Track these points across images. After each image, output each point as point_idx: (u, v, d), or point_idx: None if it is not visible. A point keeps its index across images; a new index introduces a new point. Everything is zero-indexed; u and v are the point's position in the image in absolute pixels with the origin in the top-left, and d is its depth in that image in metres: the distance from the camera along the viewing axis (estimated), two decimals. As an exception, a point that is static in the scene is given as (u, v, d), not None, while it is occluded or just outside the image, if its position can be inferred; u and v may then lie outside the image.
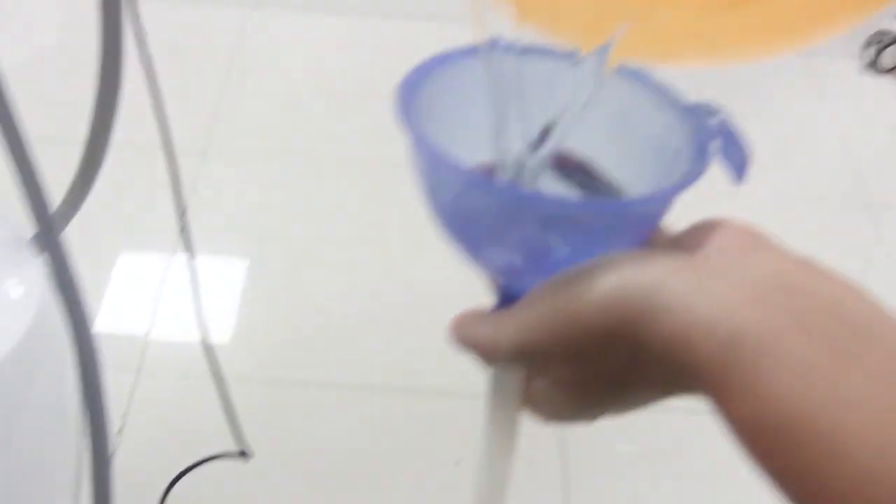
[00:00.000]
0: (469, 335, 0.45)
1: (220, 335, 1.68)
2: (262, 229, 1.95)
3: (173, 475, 1.13)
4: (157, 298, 1.77)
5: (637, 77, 0.47)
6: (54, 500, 0.98)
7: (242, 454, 1.12)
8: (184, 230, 1.00)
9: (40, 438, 0.91)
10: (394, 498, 1.52)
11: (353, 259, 1.95)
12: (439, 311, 1.88)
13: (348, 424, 1.63)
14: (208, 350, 1.06)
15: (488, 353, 0.45)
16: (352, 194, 2.05)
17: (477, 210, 0.45)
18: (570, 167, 0.49)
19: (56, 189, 0.74)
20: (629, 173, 0.48)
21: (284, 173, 2.03)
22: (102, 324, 1.64)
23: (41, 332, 0.81)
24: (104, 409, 0.86)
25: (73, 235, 0.75)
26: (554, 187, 0.48)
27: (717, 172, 0.44)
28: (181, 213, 0.97)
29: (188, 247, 1.01)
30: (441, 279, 1.80)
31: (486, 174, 0.47)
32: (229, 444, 1.23)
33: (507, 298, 0.46)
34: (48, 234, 0.68)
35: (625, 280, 0.38)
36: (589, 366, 0.41)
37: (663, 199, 0.43)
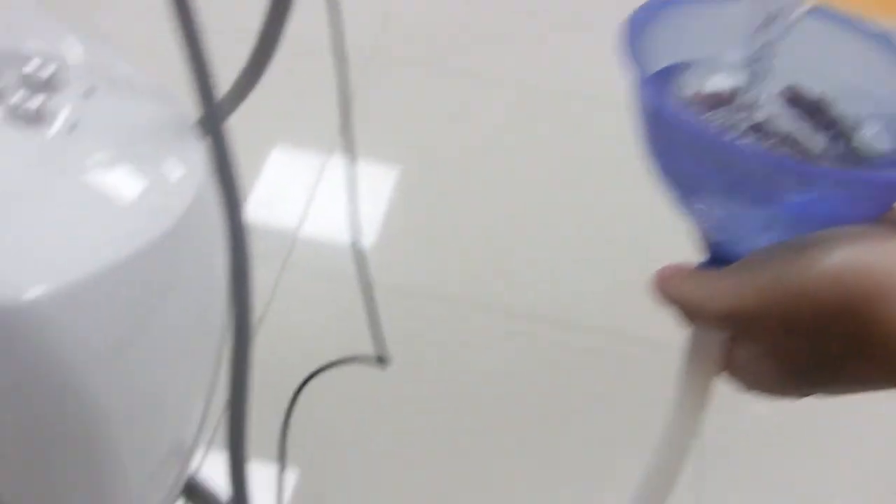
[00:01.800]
0: (675, 292, 0.46)
1: (369, 240, 1.76)
2: (424, 140, 2.01)
3: (308, 372, 1.22)
4: (310, 196, 1.86)
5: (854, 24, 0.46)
6: (194, 382, 1.07)
7: (380, 360, 1.20)
8: (345, 131, 1.07)
9: (187, 319, 1.01)
10: (526, 433, 1.57)
11: (520, 182, 1.98)
12: (611, 250, 1.92)
13: (491, 348, 1.69)
14: (358, 253, 1.13)
15: (693, 313, 0.46)
16: (530, 122, 2.08)
17: (706, 164, 0.44)
18: (803, 105, 0.48)
19: (224, 79, 0.81)
20: (861, 112, 0.46)
21: (452, 89, 2.08)
22: (255, 214, 1.74)
23: (198, 213, 0.90)
24: (250, 296, 0.94)
25: (236, 124, 0.82)
26: (788, 125, 0.47)
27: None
28: (345, 113, 1.04)
29: (349, 149, 1.08)
30: (621, 216, 1.83)
31: (719, 129, 0.46)
32: (367, 349, 1.31)
33: (719, 259, 0.46)
34: (212, 119, 0.75)
35: (858, 256, 0.39)
36: (804, 340, 0.41)
37: None
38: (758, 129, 0.46)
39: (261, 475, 1.13)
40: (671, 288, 0.45)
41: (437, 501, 1.45)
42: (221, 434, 1.04)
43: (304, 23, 0.95)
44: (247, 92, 0.87)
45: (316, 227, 1.84)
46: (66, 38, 0.92)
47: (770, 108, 0.46)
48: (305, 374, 1.25)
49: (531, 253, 1.88)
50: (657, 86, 0.45)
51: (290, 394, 1.20)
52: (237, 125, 0.84)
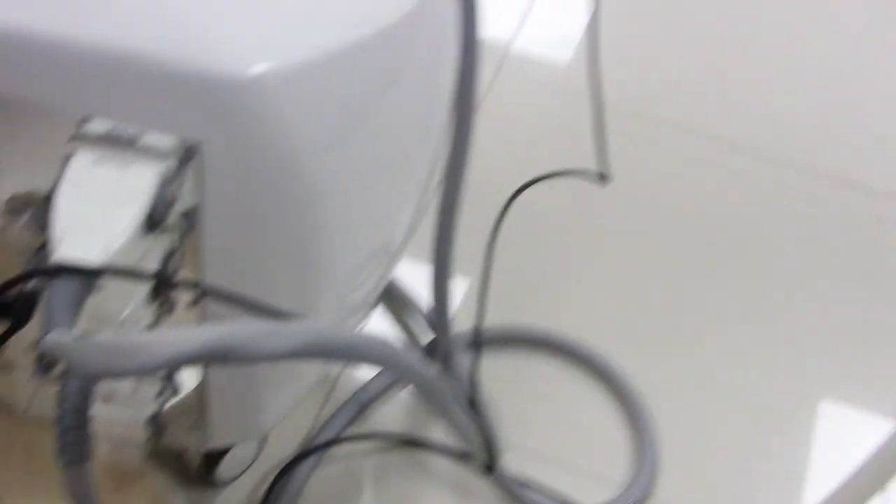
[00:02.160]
0: None
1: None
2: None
3: (521, 182, 1.18)
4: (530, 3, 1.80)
5: None
6: (408, 183, 1.05)
7: (602, 177, 1.15)
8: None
9: (409, 115, 0.98)
10: (737, 268, 1.52)
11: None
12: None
13: (717, 182, 1.63)
14: (594, 67, 1.07)
15: None
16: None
17: None
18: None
19: None
20: None
21: None
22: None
23: (431, 3, 0.86)
24: (472, 92, 0.90)
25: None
26: None
27: None
28: None
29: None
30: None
31: None
32: (585, 165, 1.27)
33: None
34: None
35: None
36: None
37: None
38: None
39: (463, 287, 1.11)
40: None
41: (637, 327, 1.43)
42: (427, 243, 1.04)
43: None
44: None
45: (533, 37, 1.79)
46: None
47: None
48: (515, 186, 1.22)
49: (767, 87, 1.78)
50: None
51: (499, 205, 1.17)
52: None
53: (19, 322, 0.88)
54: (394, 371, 0.77)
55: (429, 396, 0.91)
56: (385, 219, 1.05)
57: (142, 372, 0.66)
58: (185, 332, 0.66)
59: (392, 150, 0.99)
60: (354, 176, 0.93)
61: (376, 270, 1.09)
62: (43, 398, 1.04)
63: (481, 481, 1.21)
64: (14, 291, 0.86)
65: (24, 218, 0.85)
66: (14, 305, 0.88)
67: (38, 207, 0.85)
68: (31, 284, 0.88)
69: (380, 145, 0.96)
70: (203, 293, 0.73)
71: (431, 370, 0.92)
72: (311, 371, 1.11)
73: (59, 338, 0.68)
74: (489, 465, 1.06)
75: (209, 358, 0.66)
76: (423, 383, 0.88)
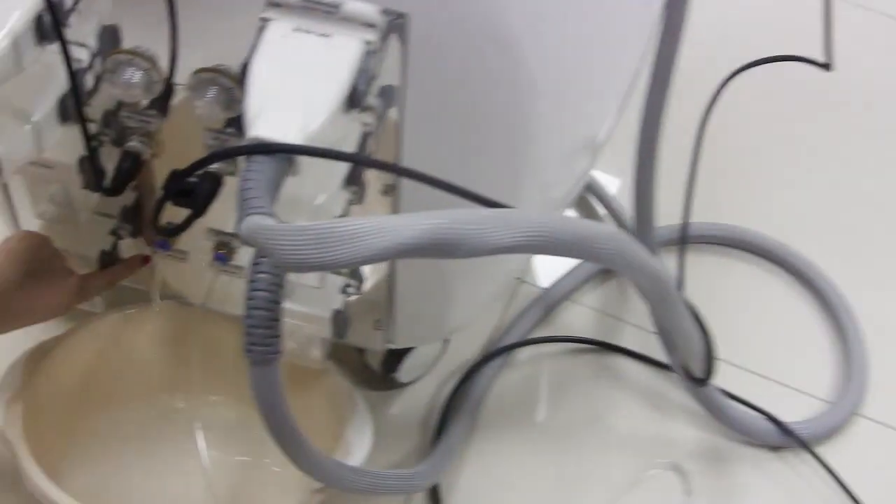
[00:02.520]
0: None
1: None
2: None
3: (737, 66, 1.07)
4: None
5: None
6: (616, 75, 0.97)
7: (825, 66, 1.04)
8: None
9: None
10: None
11: None
12: None
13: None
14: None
15: None
16: None
17: None
18: None
19: None
20: None
21: None
22: None
23: None
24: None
25: None
26: None
27: None
28: None
29: None
30: None
31: None
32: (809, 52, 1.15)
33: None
34: None
35: None
36: None
37: None
38: None
39: (662, 182, 1.01)
40: None
41: (852, 233, 1.33)
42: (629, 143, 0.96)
43: None
44: None
45: None
46: None
47: None
48: (734, 68, 1.11)
49: None
50: None
51: (708, 95, 1.07)
52: None
53: (200, 208, 0.84)
54: (626, 267, 0.69)
55: (658, 297, 0.83)
56: (594, 108, 0.97)
57: (351, 263, 0.60)
58: (400, 219, 0.60)
59: (605, 34, 0.91)
60: (568, 60, 0.85)
61: (580, 164, 1.01)
62: (220, 291, 1.00)
63: (676, 391, 1.13)
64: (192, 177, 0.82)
65: (210, 94, 0.80)
66: (195, 190, 0.83)
67: (226, 82, 0.79)
68: (213, 167, 0.83)
69: (594, 28, 0.88)
70: (415, 178, 0.66)
71: (666, 269, 0.83)
72: (504, 271, 1.04)
73: (259, 223, 0.62)
74: (702, 377, 0.98)
75: (427, 250, 0.59)
76: (656, 282, 0.80)
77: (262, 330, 0.72)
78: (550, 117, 0.85)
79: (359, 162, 0.75)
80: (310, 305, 0.92)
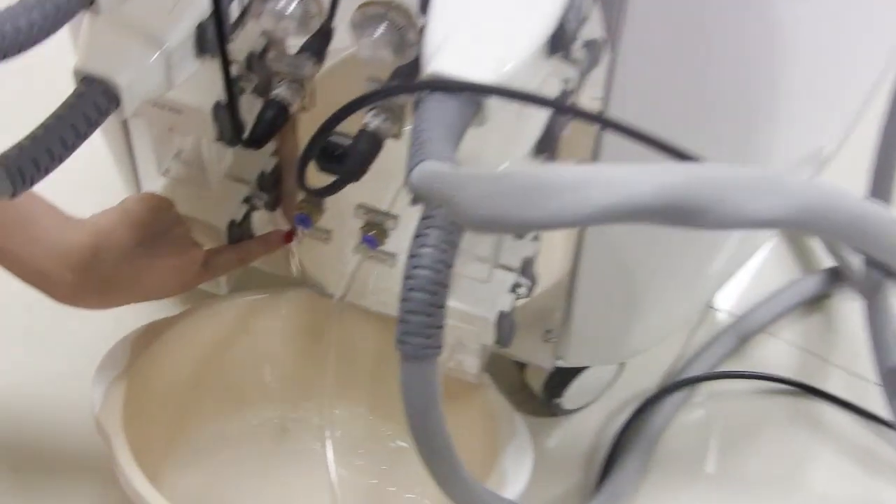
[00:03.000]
0: None
1: None
2: None
3: None
4: None
5: None
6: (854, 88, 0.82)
7: None
8: None
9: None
10: None
11: None
12: None
13: None
14: None
15: None
16: None
17: None
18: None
19: None
20: None
21: None
22: None
23: None
24: None
25: None
26: None
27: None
28: None
29: None
30: None
31: None
32: None
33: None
34: None
35: None
36: None
37: None
38: None
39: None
40: None
41: None
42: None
43: None
44: None
45: None
46: None
47: None
48: None
49: None
50: None
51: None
52: None
53: (355, 168, 0.70)
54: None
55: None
56: (831, 114, 0.82)
57: (561, 221, 0.45)
58: (632, 171, 0.44)
59: (853, 37, 0.76)
60: (820, 51, 0.70)
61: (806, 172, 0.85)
62: (363, 283, 0.87)
63: (891, 450, 0.96)
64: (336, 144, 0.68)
65: (379, 32, 0.66)
66: (349, 152, 0.69)
67: (399, 20, 0.66)
68: (372, 123, 0.70)
69: (843, 29, 0.73)
70: (646, 142, 0.51)
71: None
72: (706, 287, 0.88)
73: (438, 168, 0.48)
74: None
75: (662, 214, 0.44)
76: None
77: (422, 317, 0.58)
78: (788, 109, 0.70)
79: (574, 114, 0.61)
80: (473, 303, 0.77)
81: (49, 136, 0.61)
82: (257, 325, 0.89)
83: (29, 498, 0.88)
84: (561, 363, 0.86)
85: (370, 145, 0.71)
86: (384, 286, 0.94)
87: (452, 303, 0.77)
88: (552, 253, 0.92)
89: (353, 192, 0.73)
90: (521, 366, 0.94)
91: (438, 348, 0.60)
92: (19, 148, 0.60)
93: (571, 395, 0.93)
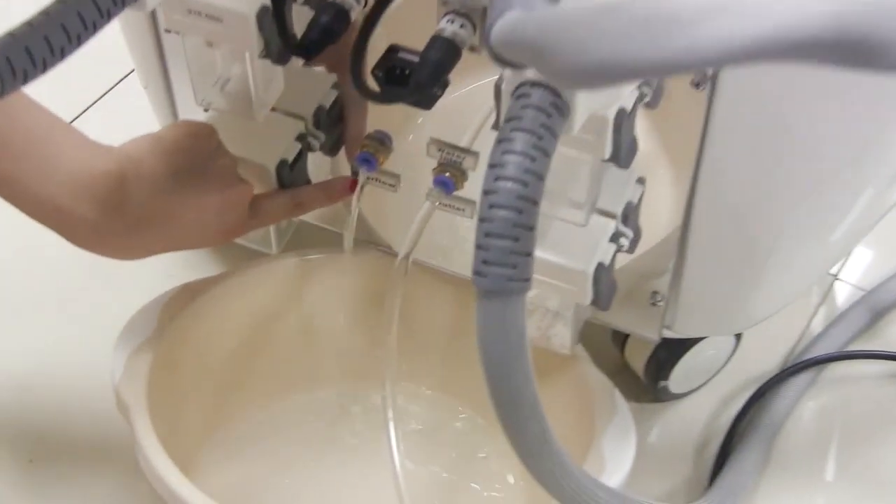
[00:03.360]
0: None
1: None
2: None
3: None
4: None
5: None
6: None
7: None
8: None
9: None
10: None
11: None
12: None
13: None
14: None
15: None
16: None
17: None
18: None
19: None
20: None
21: None
22: None
23: None
24: None
25: None
26: None
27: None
28: None
29: None
30: None
31: None
32: None
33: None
34: None
35: None
36: None
37: None
38: None
39: None
40: None
41: None
42: None
43: None
44: None
45: None
46: None
47: None
48: None
49: None
50: None
51: None
52: None
53: (424, 82, 0.59)
54: None
55: None
56: None
57: (689, 62, 0.32)
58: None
59: None
60: None
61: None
62: (436, 241, 0.75)
63: None
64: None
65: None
66: (421, 58, 0.58)
67: None
68: (448, 29, 0.58)
69: None
70: None
71: None
72: (833, 245, 0.75)
73: (526, 16, 0.36)
74: None
75: (832, 49, 0.32)
76: None
77: (507, 241, 0.46)
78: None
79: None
80: (566, 254, 0.65)
81: (49, 24, 0.50)
82: (312, 290, 0.78)
83: (42, 494, 0.77)
84: (669, 333, 0.73)
85: (444, 53, 0.59)
86: (459, 243, 0.82)
87: (540, 253, 0.64)
88: (658, 203, 0.79)
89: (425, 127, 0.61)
90: (621, 342, 0.81)
91: (526, 282, 0.47)
92: (11, 36, 0.49)
93: (679, 377, 0.80)
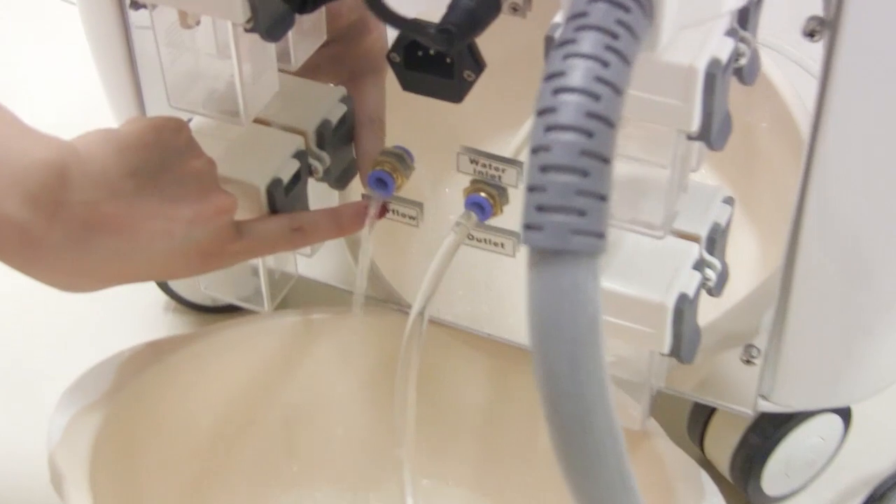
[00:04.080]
0: None
1: None
2: None
3: None
4: None
5: None
6: None
7: None
8: None
9: None
10: None
11: None
12: None
13: None
14: None
15: None
16: None
17: None
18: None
19: None
20: None
21: None
22: None
23: None
24: None
25: None
26: None
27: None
28: None
29: None
30: None
31: None
32: None
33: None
34: None
35: None
36: None
37: None
38: None
39: None
40: None
41: None
42: None
43: None
44: None
45: None
46: None
47: None
48: None
49: None
50: None
51: None
52: None
53: (455, 34, 0.46)
54: None
55: None
56: None
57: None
58: None
59: None
60: None
61: None
62: (462, 294, 0.61)
63: None
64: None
65: None
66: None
67: None
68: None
69: None
70: None
71: None
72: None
73: None
74: None
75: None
76: None
77: (572, 176, 0.32)
78: None
79: None
80: (638, 283, 0.50)
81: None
82: (311, 358, 0.64)
83: None
84: (766, 406, 0.58)
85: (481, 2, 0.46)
86: (494, 298, 0.67)
87: (603, 281, 0.50)
88: (749, 238, 0.65)
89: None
90: (700, 430, 0.66)
91: (600, 238, 0.33)
92: None
93: (775, 473, 0.64)
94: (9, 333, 0.74)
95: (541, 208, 0.33)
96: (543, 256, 0.33)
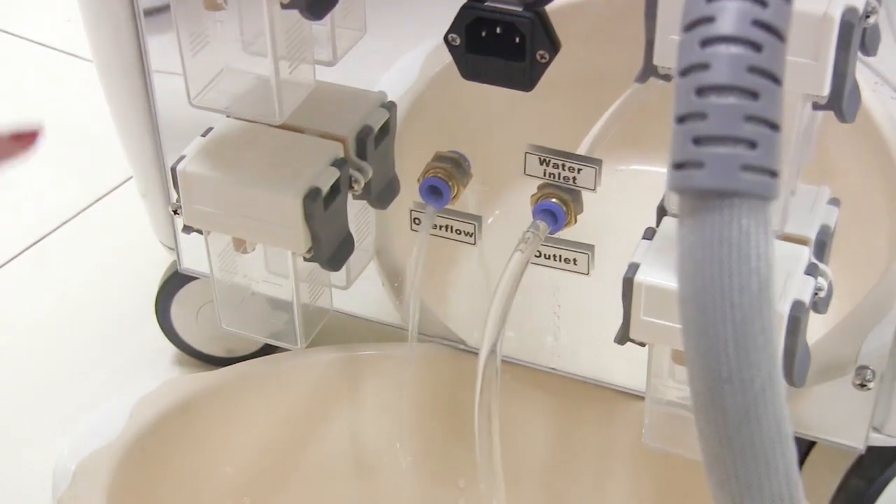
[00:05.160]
0: None
1: None
2: None
3: None
4: None
5: None
6: None
7: None
8: None
9: None
10: None
11: None
12: None
13: None
14: None
15: None
16: None
17: None
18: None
19: None
20: None
21: None
22: None
23: None
24: None
25: None
26: None
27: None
28: None
29: None
30: None
31: None
32: None
33: None
34: None
35: None
36: None
37: None
38: None
39: None
40: None
41: None
42: None
43: None
44: None
45: None
46: None
47: None
48: None
49: None
50: None
51: None
52: None
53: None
54: None
55: None
56: None
57: None
58: None
59: None
60: None
61: None
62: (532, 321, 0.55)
63: None
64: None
65: None
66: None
67: None
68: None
69: None
70: None
71: None
72: None
73: None
74: None
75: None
76: None
77: (739, 98, 0.26)
78: None
79: None
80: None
81: None
82: (358, 401, 0.56)
83: None
84: (878, 439, 0.51)
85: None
86: (558, 327, 0.61)
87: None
88: (856, 248, 0.59)
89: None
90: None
91: (774, 177, 0.27)
92: None
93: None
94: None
95: (699, 140, 0.27)
96: (704, 200, 0.27)
